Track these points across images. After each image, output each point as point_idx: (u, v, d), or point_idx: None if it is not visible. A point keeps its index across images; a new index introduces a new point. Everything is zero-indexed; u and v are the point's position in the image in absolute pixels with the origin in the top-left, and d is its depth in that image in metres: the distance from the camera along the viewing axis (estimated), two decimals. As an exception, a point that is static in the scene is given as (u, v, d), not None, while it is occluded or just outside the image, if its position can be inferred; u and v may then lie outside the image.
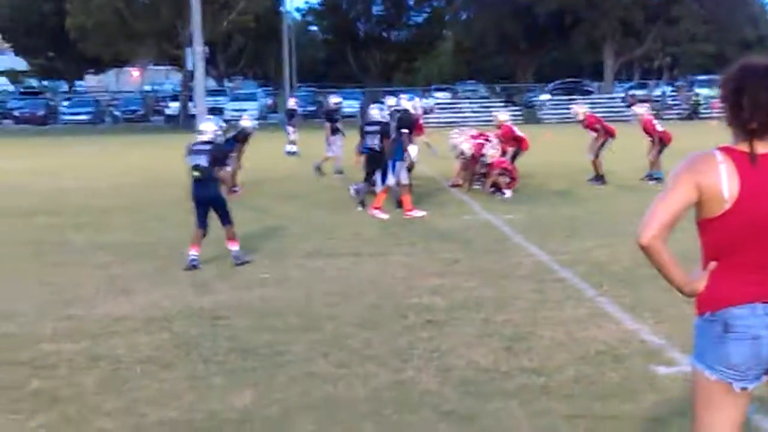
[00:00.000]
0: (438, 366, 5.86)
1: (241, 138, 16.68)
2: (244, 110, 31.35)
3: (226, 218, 9.67)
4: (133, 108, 57.98)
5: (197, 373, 5.88)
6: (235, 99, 53.86)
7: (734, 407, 3.04)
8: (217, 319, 7.26)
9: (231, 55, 66.09)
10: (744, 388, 3.01)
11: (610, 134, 16.93)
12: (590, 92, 57.84)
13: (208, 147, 9.54)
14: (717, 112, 25.23)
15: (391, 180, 13.12)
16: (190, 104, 49.99)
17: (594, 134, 16.96)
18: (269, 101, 59.37)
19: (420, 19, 70.46)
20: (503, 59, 68.10)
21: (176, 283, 8.74)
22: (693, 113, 45.74)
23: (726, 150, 2.97)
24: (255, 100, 53.35)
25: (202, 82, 33.88)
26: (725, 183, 2.91)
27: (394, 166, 13.04)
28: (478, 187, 15.98)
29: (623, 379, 5.51)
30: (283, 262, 9.73)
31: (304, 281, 8.70)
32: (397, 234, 11.42)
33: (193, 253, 9.53)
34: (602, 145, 16.83)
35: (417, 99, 19.92)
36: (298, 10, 73.01)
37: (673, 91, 56.77)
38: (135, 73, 75.42)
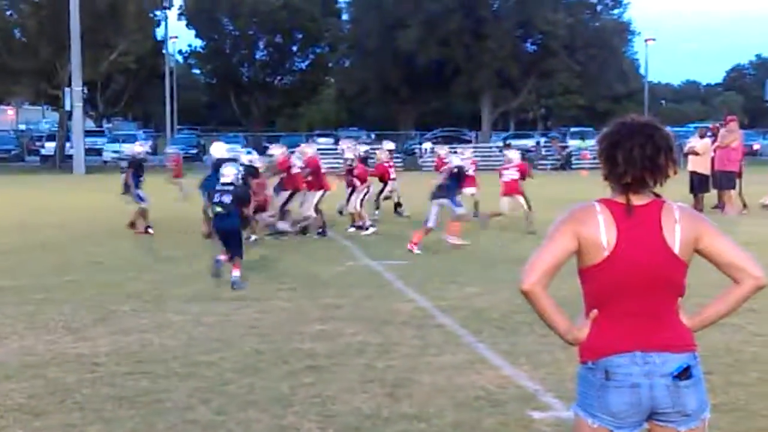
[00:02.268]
0: (320, 412, 5.87)
1: (134, 165, 16.43)
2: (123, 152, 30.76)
3: (237, 250, 10.99)
4: (8, 147, 56.19)
5: (72, 421, 5.73)
6: (115, 140, 52.88)
7: None
8: (95, 365, 7.09)
9: (111, 95, 65.00)
10: None
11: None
12: (468, 141, 59.19)
13: (230, 188, 11.18)
14: (588, 163, 26.15)
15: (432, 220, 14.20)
16: (67, 144, 48.85)
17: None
18: (149, 143, 58.40)
19: (303, 66, 71.03)
20: (385, 107, 69.10)
21: (51, 328, 8.49)
22: (565, 163, 47.20)
23: (604, 201, 3.14)
24: (135, 141, 52.40)
25: (80, 122, 33.31)
26: (603, 232, 3.07)
27: (455, 202, 14.35)
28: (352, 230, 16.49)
29: (500, 424, 5.64)
30: (163, 306, 9.59)
31: (185, 326, 8.58)
32: (279, 279, 11.42)
33: (221, 258, 10.91)
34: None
35: (359, 146, 20.21)
36: (180, 52, 72.28)
37: (546, 141, 58.56)
38: (9, 111, 73.24)
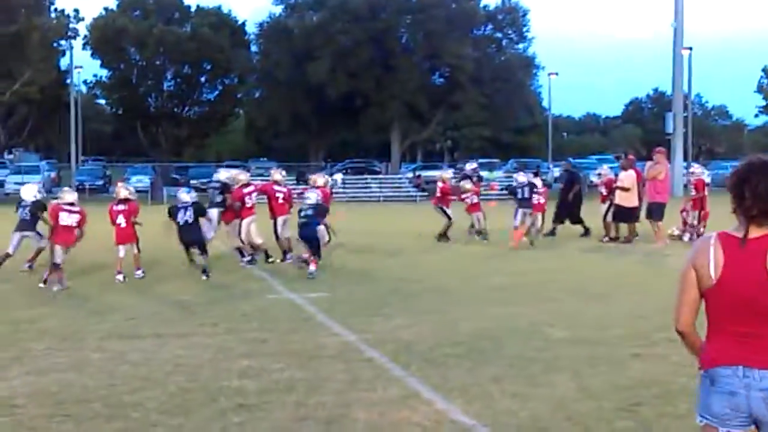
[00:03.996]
0: (255, 452, 5.74)
1: (37, 210, 15.88)
2: (26, 183, 29.87)
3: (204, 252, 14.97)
4: None
5: (-6, 468, 5.47)
6: (17, 172, 51.39)
7: None
8: (13, 407, 6.80)
9: (12, 126, 63.26)
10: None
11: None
12: (378, 172, 59.57)
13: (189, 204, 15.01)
14: (496, 195, 26.52)
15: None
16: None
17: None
18: (53, 174, 56.97)
19: (212, 96, 70.48)
20: (295, 138, 68.95)
21: (-38, 370, 8.13)
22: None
23: (721, 235, 3.59)
24: (38, 173, 51.05)
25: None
26: (712, 264, 3.54)
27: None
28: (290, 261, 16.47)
29: (440, 459, 5.60)
30: (80, 344, 9.28)
31: (105, 365, 8.32)
32: (199, 314, 11.19)
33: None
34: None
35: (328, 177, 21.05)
36: (85, 82, 70.83)
37: (455, 173, 59.11)
38: None
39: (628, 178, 20.38)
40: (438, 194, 21.91)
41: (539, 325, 10.04)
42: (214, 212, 16.65)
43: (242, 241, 16.72)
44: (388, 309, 11.34)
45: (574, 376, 7.57)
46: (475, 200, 20.97)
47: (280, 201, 17.37)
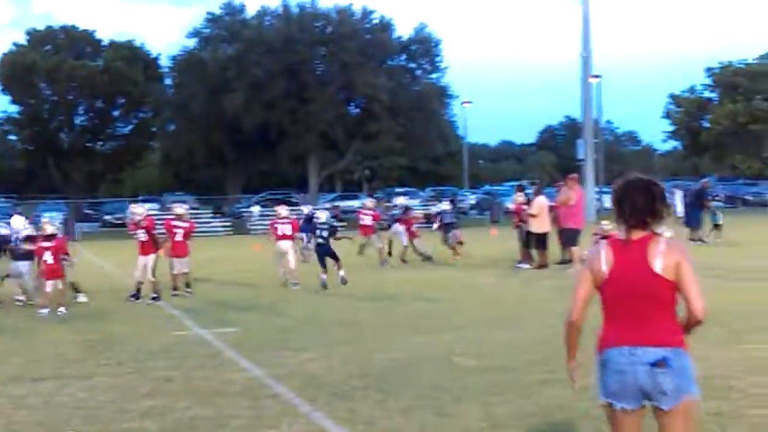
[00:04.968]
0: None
1: None
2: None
3: None
4: None
5: None
6: None
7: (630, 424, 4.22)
8: None
9: None
10: (624, 408, 4.16)
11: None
12: (296, 203, 59.28)
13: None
14: (417, 224, 26.72)
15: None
16: None
17: None
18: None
19: (126, 130, 69.45)
20: (212, 171, 68.29)
21: None
22: (392, 223, 47.52)
23: (610, 239, 4.41)
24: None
25: None
26: (603, 262, 4.25)
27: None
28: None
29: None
30: (-24, 390, 8.95)
31: (3, 410, 8.02)
32: (103, 353, 10.90)
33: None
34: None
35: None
36: (-6, 118, 69.13)
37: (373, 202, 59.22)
38: None
39: (536, 204, 20.66)
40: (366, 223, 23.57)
41: (450, 354, 10.05)
42: None
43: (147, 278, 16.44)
44: (297, 342, 11.21)
45: (482, 406, 7.57)
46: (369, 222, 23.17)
47: (178, 238, 17.07)
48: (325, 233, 17.94)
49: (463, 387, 8.36)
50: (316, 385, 8.65)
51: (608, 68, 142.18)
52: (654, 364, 4.05)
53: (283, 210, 18.99)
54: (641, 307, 4.13)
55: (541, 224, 20.28)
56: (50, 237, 15.36)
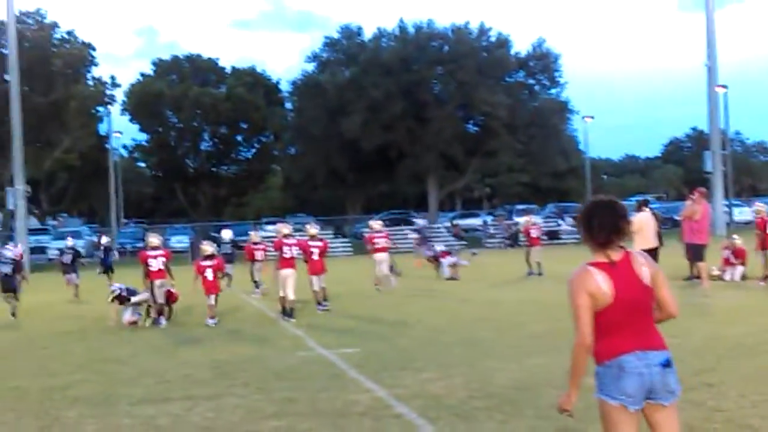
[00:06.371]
0: None
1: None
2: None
3: None
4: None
5: None
6: (60, 237, 52.04)
7: (634, 423, 4.43)
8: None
9: (55, 192, 64.36)
10: (636, 410, 4.38)
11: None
12: (416, 223, 59.41)
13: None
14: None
15: None
16: (10, 244, 47.89)
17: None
18: (95, 238, 57.64)
19: (249, 155, 71.21)
20: (332, 192, 69.23)
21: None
22: (513, 241, 47.21)
23: (594, 264, 4.47)
24: (80, 237, 51.65)
25: (23, 221, 32.73)
26: (603, 285, 4.40)
27: None
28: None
29: None
30: (112, 410, 9.26)
31: (134, 431, 8.29)
32: (231, 374, 11.14)
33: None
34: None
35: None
36: (125, 147, 72.08)
37: (493, 220, 59.00)
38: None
39: (635, 221, 20.03)
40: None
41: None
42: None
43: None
44: (419, 362, 11.18)
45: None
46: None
47: (315, 257, 17.76)
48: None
49: (586, 407, 8.16)
50: (437, 405, 8.61)
51: (737, 76, 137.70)
52: (664, 365, 4.40)
53: (376, 224, 22.70)
54: (640, 317, 4.45)
55: (644, 241, 19.45)
56: (210, 257, 17.28)
